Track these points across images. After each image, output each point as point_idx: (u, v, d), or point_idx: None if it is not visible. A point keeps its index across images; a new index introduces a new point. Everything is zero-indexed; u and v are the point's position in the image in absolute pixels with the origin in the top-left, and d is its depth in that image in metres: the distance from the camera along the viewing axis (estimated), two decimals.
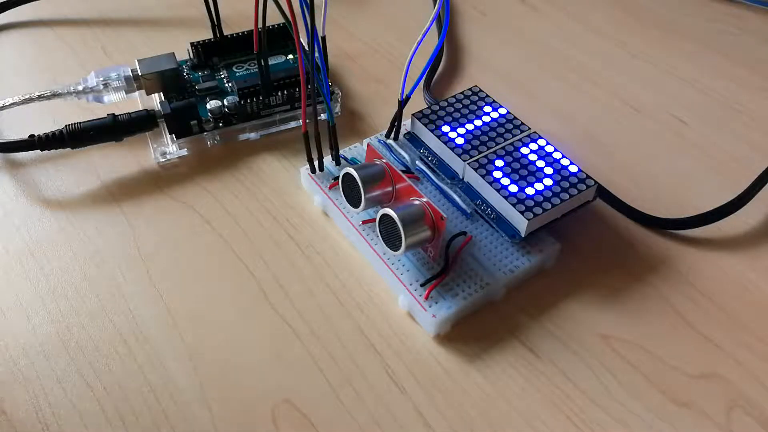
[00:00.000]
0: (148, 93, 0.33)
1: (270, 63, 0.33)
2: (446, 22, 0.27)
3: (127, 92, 0.33)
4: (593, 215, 0.30)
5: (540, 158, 0.28)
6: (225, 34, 0.35)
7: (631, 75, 0.38)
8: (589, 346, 0.25)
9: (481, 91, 0.31)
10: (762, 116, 0.35)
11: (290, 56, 0.35)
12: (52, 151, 0.32)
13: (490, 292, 0.26)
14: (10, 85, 0.37)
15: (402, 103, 0.30)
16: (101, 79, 0.33)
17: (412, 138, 0.31)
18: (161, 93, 0.33)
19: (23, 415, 0.23)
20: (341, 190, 0.28)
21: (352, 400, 0.24)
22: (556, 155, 0.28)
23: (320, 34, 0.28)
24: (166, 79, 0.33)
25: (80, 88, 0.32)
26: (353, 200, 0.27)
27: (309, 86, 0.28)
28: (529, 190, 0.27)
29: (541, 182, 0.27)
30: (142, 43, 0.40)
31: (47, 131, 0.31)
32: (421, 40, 0.27)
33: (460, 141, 0.29)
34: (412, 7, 0.43)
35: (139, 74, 0.32)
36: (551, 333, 0.26)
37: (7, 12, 0.41)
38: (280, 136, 0.34)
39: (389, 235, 0.25)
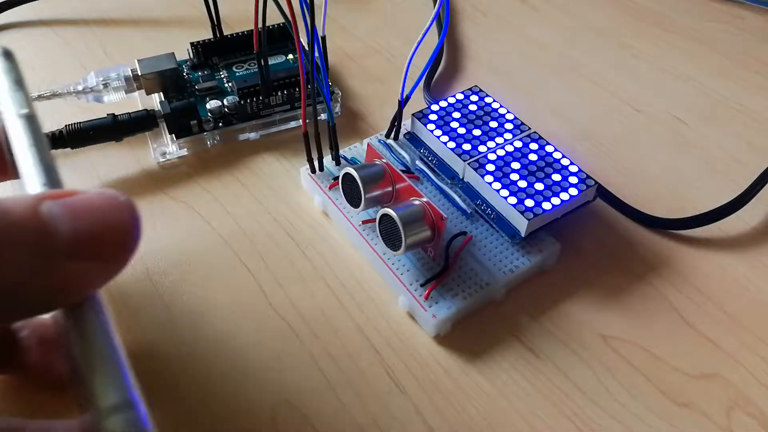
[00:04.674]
0: (148, 93, 0.33)
1: (270, 63, 0.33)
2: (446, 22, 0.27)
3: (126, 92, 0.33)
4: (593, 215, 0.30)
5: (540, 158, 0.28)
6: (225, 34, 0.35)
7: (631, 75, 0.38)
8: (589, 346, 0.25)
9: (481, 91, 0.31)
10: (762, 116, 0.35)
11: (290, 56, 0.35)
12: (52, 150, 0.32)
13: (490, 292, 0.26)
14: None
15: (402, 103, 0.30)
16: (101, 79, 0.33)
17: (412, 138, 0.31)
18: (161, 93, 0.33)
19: None
20: (341, 190, 0.28)
21: (352, 400, 0.24)
22: (556, 155, 0.28)
23: (320, 34, 0.28)
24: (166, 79, 0.33)
25: (80, 88, 0.32)
26: (353, 200, 0.27)
27: (309, 86, 0.28)
28: (529, 190, 0.27)
29: (542, 182, 0.27)
30: (142, 43, 0.40)
31: (47, 131, 0.31)
32: (421, 40, 0.27)
33: (460, 141, 0.29)
34: (412, 7, 0.43)
35: (139, 74, 0.32)
36: (551, 333, 0.26)
37: (7, 12, 0.41)
38: (280, 136, 0.34)
39: (389, 235, 0.25)
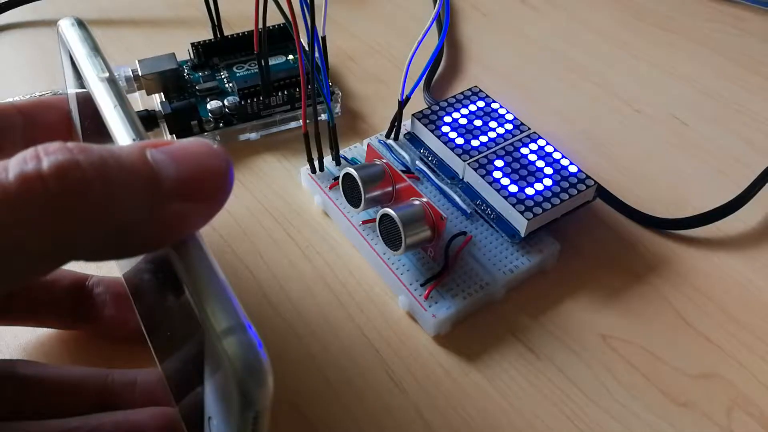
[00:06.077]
0: (149, 93, 0.33)
1: (270, 63, 0.33)
2: (446, 22, 0.27)
3: (127, 92, 0.33)
4: (593, 215, 0.30)
5: (540, 158, 0.28)
6: (225, 34, 0.35)
7: (631, 75, 0.38)
8: (589, 346, 0.25)
9: (481, 91, 0.31)
10: (762, 116, 0.35)
11: (290, 56, 0.35)
12: None
13: (490, 292, 0.26)
14: (11, 85, 0.37)
15: (402, 103, 0.30)
16: None
17: (412, 138, 0.31)
18: (162, 93, 0.33)
19: None
20: (341, 190, 0.28)
21: (352, 400, 0.24)
22: (556, 155, 0.28)
23: (320, 34, 0.28)
24: (167, 79, 0.33)
25: None
26: (353, 200, 0.27)
27: (309, 86, 0.28)
28: (529, 190, 0.27)
29: (541, 182, 0.27)
30: (142, 43, 0.40)
31: None
32: (421, 40, 0.27)
33: (460, 141, 0.29)
34: (412, 7, 0.43)
35: (140, 74, 0.32)
36: (551, 333, 0.26)
37: (7, 12, 0.41)
38: (280, 136, 0.34)
39: (389, 235, 0.25)
